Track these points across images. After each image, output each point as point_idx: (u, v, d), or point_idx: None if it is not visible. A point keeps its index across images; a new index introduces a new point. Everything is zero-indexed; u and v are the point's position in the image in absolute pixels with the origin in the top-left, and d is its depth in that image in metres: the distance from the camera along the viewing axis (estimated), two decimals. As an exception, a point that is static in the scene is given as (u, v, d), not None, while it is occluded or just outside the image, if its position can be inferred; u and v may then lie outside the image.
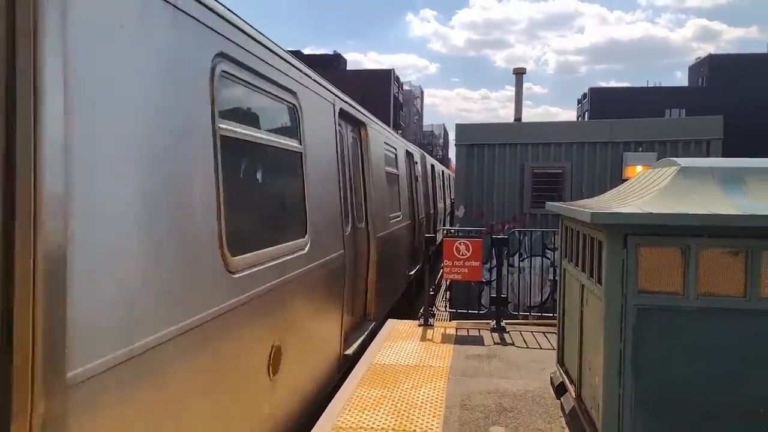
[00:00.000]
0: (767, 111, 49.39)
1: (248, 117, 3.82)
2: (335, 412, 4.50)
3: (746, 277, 3.12)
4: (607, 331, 3.26)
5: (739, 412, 3.13)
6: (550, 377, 5.02)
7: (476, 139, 10.27)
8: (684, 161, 3.61)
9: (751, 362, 3.11)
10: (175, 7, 2.71)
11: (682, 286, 3.19)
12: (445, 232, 8.91)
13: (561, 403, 4.52)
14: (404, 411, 4.53)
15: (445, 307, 8.91)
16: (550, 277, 8.61)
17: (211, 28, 3.07)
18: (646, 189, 3.68)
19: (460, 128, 10.53)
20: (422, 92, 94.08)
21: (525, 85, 14.83)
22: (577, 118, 63.50)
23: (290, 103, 4.47)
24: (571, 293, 4.41)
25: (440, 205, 18.85)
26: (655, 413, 3.21)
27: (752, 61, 53.04)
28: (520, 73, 13.47)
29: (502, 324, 7.10)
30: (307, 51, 62.13)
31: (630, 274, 3.21)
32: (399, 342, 6.52)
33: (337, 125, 5.92)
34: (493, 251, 7.47)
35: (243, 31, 3.49)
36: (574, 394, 4.12)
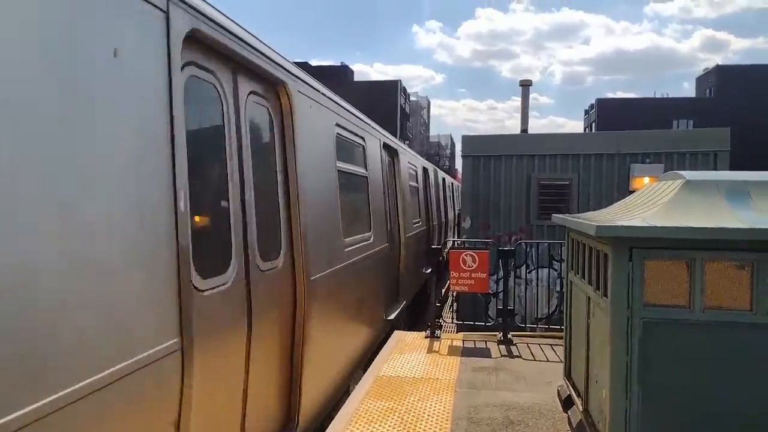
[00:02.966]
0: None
1: (346, 156, 6.05)
2: (342, 424, 4.51)
3: (752, 291, 3.12)
4: (613, 344, 3.26)
5: (746, 427, 3.12)
6: (557, 390, 5.01)
7: (483, 151, 10.29)
8: (689, 174, 3.62)
9: (757, 376, 3.11)
10: (320, 103, 5.06)
11: (688, 300, 3.19)
12: (451, 243, 9.00)
13: (568, 417, 4.51)
14: (411, 423, 4.53)
15: (452, 319, 8.90)
16: (558, 288, 8.58)
17: (332, 110, 5.45)
18: (652, 202, 3.69)
19: (467, 140, 10.56)
20: (429, 103, 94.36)
21: (531, 95, 14.89)
22: (584, 129, 63.44)
23: (360, 144, 6.76)
24: (578, 306, 4.42)
25: (450, 215, 19.23)
26: (662, 427, 3.21)
27: (760, 72, 52.85)
28: (526, 85, 13.53)
29: (509, 336, 7.09)
30: (314, 62, 62.63)
31: (635, 287, 3.22)
32: (406, 354, 6.53)
33: (381, 155, 8.05)
34: (500, 263, 7.47)
35: (344, 108, 6.03)
36: (581, 408, 4.11)
